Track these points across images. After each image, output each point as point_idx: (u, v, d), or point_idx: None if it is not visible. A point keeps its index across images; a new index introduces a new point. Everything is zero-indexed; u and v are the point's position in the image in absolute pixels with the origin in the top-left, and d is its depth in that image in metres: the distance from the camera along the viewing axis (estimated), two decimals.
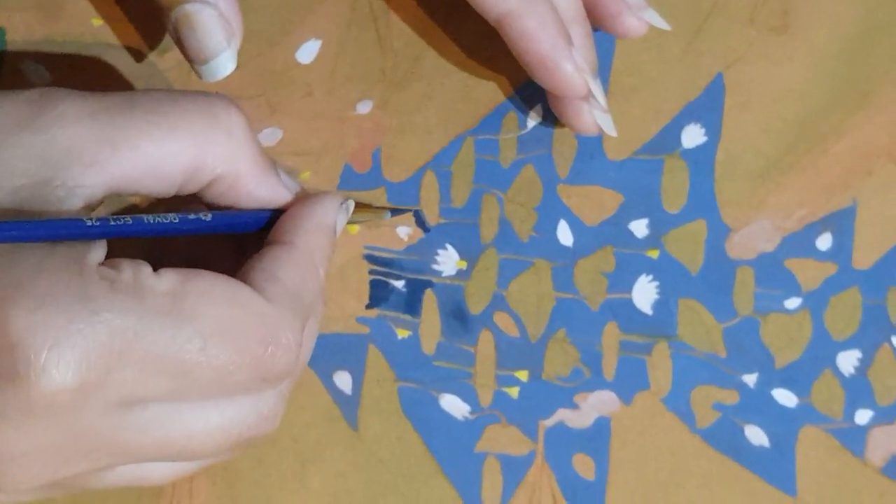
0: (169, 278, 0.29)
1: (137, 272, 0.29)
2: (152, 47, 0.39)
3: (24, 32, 0.38)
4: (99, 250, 0.30)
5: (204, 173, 0.32)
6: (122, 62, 0.38)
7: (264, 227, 0.34)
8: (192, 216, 0.32)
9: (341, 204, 0.35)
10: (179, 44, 0.35)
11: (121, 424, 0.29)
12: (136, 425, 0.29)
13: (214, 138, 0.32)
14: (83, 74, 0.38)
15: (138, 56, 0.38)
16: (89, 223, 0.29)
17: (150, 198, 0.36)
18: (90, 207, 0.31)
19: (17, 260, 0.28)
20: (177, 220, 0.31)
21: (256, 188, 0.33)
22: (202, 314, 0.29)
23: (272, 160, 0.34)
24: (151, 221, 0.31)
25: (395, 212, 0.38)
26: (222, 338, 0.29)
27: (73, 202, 0.30)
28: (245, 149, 0.33)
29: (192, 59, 0.35)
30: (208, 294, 0.29)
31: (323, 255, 0.33)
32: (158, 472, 0.32)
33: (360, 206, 0.36)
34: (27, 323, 0.27)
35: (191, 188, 0.33)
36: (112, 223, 0.30)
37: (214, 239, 0.34)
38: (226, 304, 0.30)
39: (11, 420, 0.27)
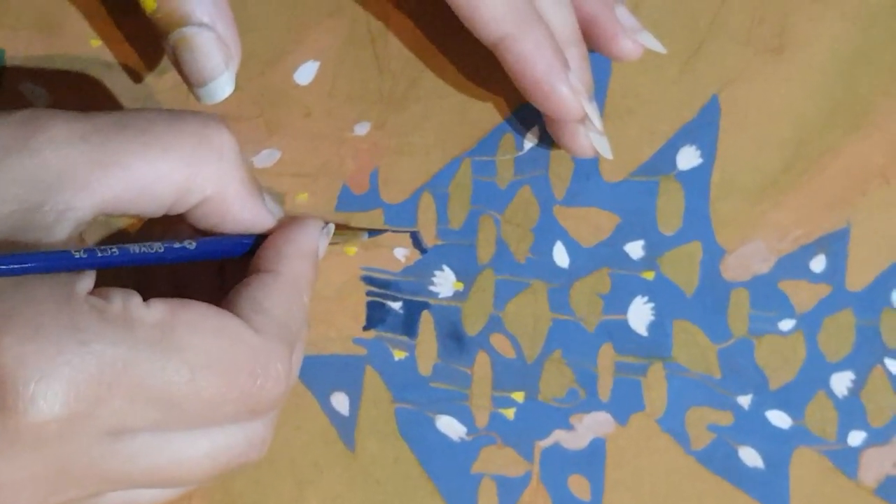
0: (158, 309, 0.30)
1: (127, 302, 0.29)
2: (151, 68, 0.39)
3: (24, 52, 0.38)
4: (87, 280, 0.30)
5: (193, 194, 0.32)
6: (121, 83, 0.39)
7: (248, 253, 0.34)
8: (177, 245, 0.32)
9: (322, 228, 0.35)
10: (178, 66, 0.35)
11: (109, 454, 0.29)
12: (125, 454, 0.30)
13: (206, 159, 0.32)
14: (81, 95, 0.38)
15: (137, 77, 0.39)
16: (77, 255, 0.29)
17: (137, 218, 0.37)
18: (79, 230, 0.31)
19: (5, 290, 0.28)
20: (162, 250, 0.32)
21: (241, 211, 0.33)
22: (191, 346, 0.29)
23: (258, 185, 0.34)
24: (137, 252, 0.31)
25: (373, 232, 0.38)
26: (211, 370, 0.29)
27: (64, 227, 0.30)
28: (234, 171, 0.33)
29: (191, 82, 0.35)
30: (197, 325, 0.30)
31: (306, 281, 0.34)
32: (147, 497, 0.32)
33: (338, 227, 0.37)
34: (16, 354, 0.27)
35: (180, 208, 0.33)
36: (99, 254, 0.30)
37: (198, 265, 0.34)
38: (214, 335, 0.30)
39: (0, 450, 0.28)
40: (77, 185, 0.30)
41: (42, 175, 0.30)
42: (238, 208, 0.33)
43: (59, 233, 0.30)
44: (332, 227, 0.36)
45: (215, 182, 0.32)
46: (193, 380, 0.29)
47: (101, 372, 0.28)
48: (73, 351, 0.28)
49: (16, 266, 0.28)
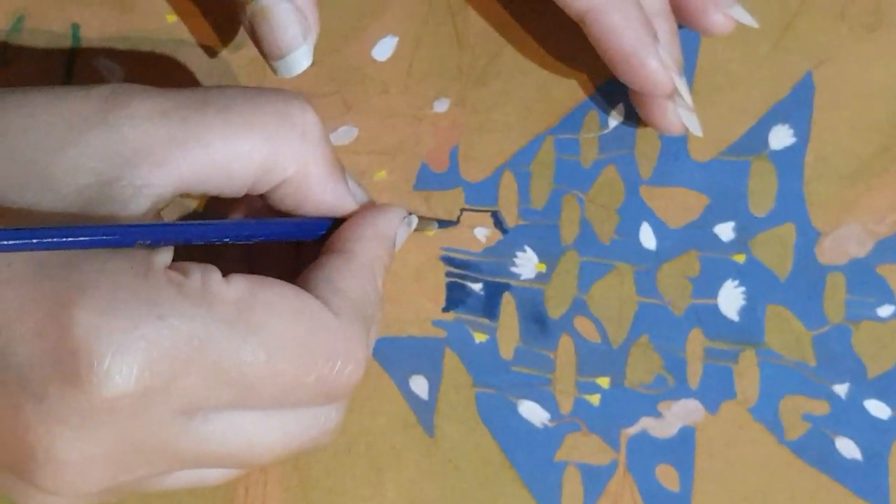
0: (238, 286, 0.29)
1: (206, 278, 0.29)
2: (226, 44, 0.39)
3: (98, 28, 0.38)
4: (165, 254, 0.29)
5: (274, 174, 0.32)
6: (196, 59, 0.39)
7: (324, 235, 0.33)
8: (253, 222, 0.32)
9: (404, 218, 0.34)
10: (254, 38, 0.35)
11: (181, 432, 0.29)
12: (197, 434, 0.29)
13: (288, 139, 0.32)
14: (156, 71, 0.38)
15: (212, 52, 0.38)
16: (153, 228, 0.29)
17: (218, 197, 0.36)
18: (158, 207, 0.30)
19: (81, 261, 0.28)
20: (239, 227, 0.31)
21: (323, 193, 0.33)
22: (269, 327, 0.29)
23: (342, 166, 0.33)
24: (214, 227, 0.31)
25: (443, 223, 0.37)
26: (288, 353, 0.29)
27: (140, 202, 0.30)
28: (317, 151, 0.32)
29: (268, 55, 0.35)
30: (276, 306, 0.29)
31: (381, 265, 0.33)
32: (215, 475, 0.32)
33: (420, 218, 0.36)
34: (91, 327, 0.27)
35: (260, 189, 0.32)
36: (175, 229, 0.30)
37: (272, 245, 0.34)
38: (293, 317, 0.29)
39: (73, 425, 0.28)
40: (155, 160, 0.30)
41: (120, 150, 0.30)
42: (320, 190, 0.33)
43: (136, 208, 0.30)
44: (414, 218, 0.35)
45: (297, 162, 0.32)
46: (270, 362, 0.29)
47: (177, 348, 0.28)
48: (150, 325, 0.27)
49: (90, 238, 0.28)
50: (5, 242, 0.27)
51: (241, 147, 0.31)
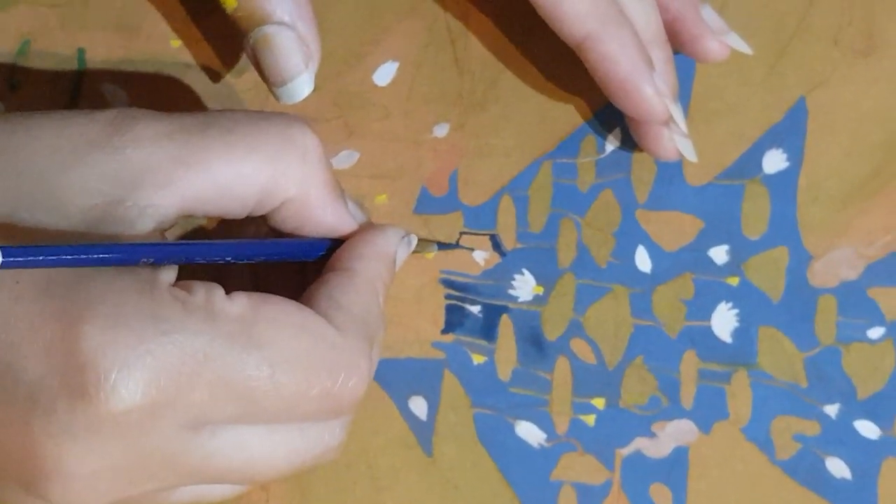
0: (241, 302, 0.30)
1: (210, 294, 0.30)
2: (229, 68, 0.40)
3: (104, 53, 0.39)
4: (170, 272, 0.31)
5: (276, 196, 0.33)
6: (200, 83, 0.40)
7: (326, 255, 0.34)
8: (255, 242, 0.33)
9: (403, 237, 0.35)
10: (257, 65, 0.36)
11: (188, 447, 0.30)
12: (203, 449, 0.30)
13: (289, 160, 0.33)
14: (160, 95, 0.39)
15: (216, 77, 0.39)
16: (158, 248, 0.30)
17: (220, 218, 0.37)
18: (162, 228, 0.32)
19: (88, 279, 0.29)
20: (240, 247, 0.32)
21: (323, 214, 0.34)
22: (272, 341, 0.30)
23: (341, 188, 0.34)
24: (216, 247, 0.32)
25: (443, 245, 0.38)
26: (291, 367, 0.30)
27: (145, 223, 0.31)
28: (318, 173, 0.33)
29: (270, 82, 0.36)
30: (279, 321, 0.30)
31: (382, 283, 0.34)
32: (219, 491, 0.33)
33: (420, 239, 0.37)
34: (98, 342, 0.28)
35: (262, 210, 0.33)
36: (180, 248, 0.31)
37: (277, 264, 0.35)
38: (296, 332, 0.30)
39: (80, 439, 0.29)
40: (159, 182, 0.31)
41: (125, 171, 0.31)
42: (320, 211, 0.34)
43: (141, 228, 0.31)
44: (413, 238, 0.36)
45: (298, 183, 0.33)
46: (273, 376, 0.30)
47: (183, 363, 0.29)
48: (155, 340, 0.29)
49: (97, 255, 0.29)
50: (14, 259, 0.28)
51: (244, 169, 0.32)
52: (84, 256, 0.29)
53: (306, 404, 0.31)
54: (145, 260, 0.30)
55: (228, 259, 0.33)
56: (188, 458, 0.30)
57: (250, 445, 0.31)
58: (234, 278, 0.36)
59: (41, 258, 0.28)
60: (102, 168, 0.31)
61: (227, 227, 0.38)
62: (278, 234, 0.35)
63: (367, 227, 0.35)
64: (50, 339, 0.28)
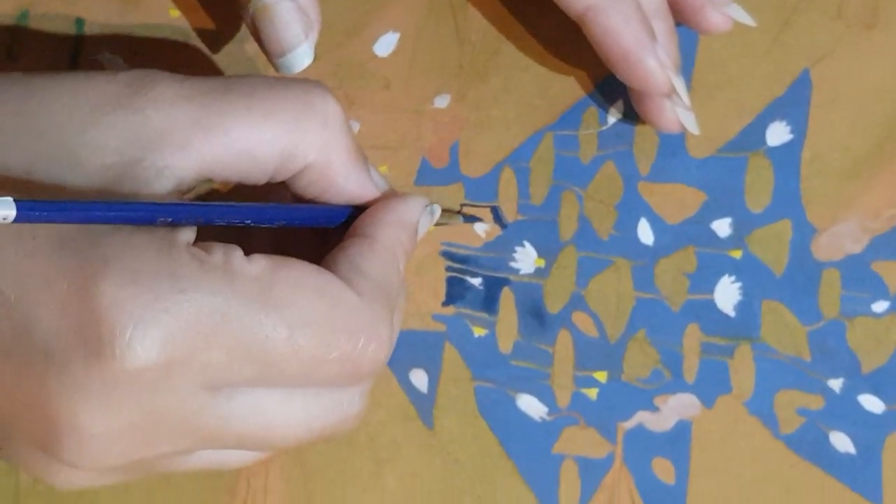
0: (260, 264, 0.30)
1: (228, 255, 0.30)
2: (229, 38, 0.39)
3: (102, 22, 0.39)
4: (188, 232, 0.31)
5: (296, 161, 0.33)
6: (199, 53, 0.40)
7: (347, 222, 0.34)
8: (274, 206, 0.33)
9: (426, 206, 0.35)
10: (256, 36, 0.36)
11: (204, 409, 0.30)
12: (220, 412, 0.30)
13: (309, 126, 0.33)
14: (159, 64, 0.39)
15: (215, 47, 0.39)
16: (176, 207, 0.30)
17: (241, 184, 0.37)
18: (180, 191, 0.31)
19: (105, 236, 0.29)
20: (260, 210, 0.32)
21: (345, 181, 0.34)
22: (290, 303, 0.30)
23: (364, 155, 0.34)
24: (234, 209, 0.32)
25: (468, 217, 0.38)
26: (310, 329, 0.30)
27: (163, 183, 0.31)
28: (339, 139, 0.33)
29: (270, 52, 0.36)
30: (297, 283, 0.30)
31: (403, 250, 0.34)
32: (235, 458, 0.33)
33: (444, 210, 0.37)
34: (114, 299, 0.28)
35: (282, 176, 0.33)
36: (197, 209, 0.30)
37: (298, 230, 0.35)
38: (315, 294, 0.30)
39: (95, 396, 0.28)
40: (177, 143, 0.31)
41: (143, 132, 0.31)
42: (342, 178, 0.34)
43: (159, 189, 0.31)
44: (437, 208, 0.36)
45: (319, 149, 0.33)
46: (292, 338, 0.30)
47: (199, 321, 0.29)
48: (172, 298, 0.28)
49: (116, 213, 0.29)
50: (30, 213, 0.27)
51: (263, 133, 0.32)
52: (101, 213, 0.29)
53: (325, 368, 0.30)
54: (163, 219, 0.30)
55: (248, 222, 0.32)
56: (204, 421, 0.30)
57: (267, 410, 0.31)
58: (253, 245, 0.36)
59: (58, 213, 0.28)
60: (121, 128, 0.31)
61: (247, 195, 0.37)
62: (300, 201, 0.35)
63: (389, 195, 0.35)
64: (66, 295, 0.28)
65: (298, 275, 0.30)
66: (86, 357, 0.28)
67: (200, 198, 0.37)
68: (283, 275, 0.30)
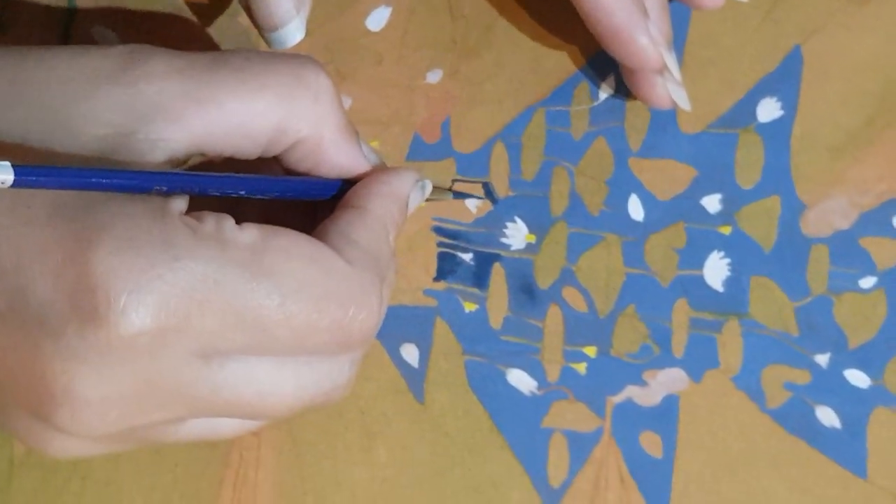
0: (251, 232, 0.31)
1: (220, 223, 0.30)
2: (221, 11, 0.39)
3: None
4: (181, 201, 0.31)
5: (288, 135, 0.33)
6: (191, 27, 0.40)
7: (337, 196, 0.34)
8: (266, 177, 0.33)
9: (417, 181, 0.35)
10: (248, 11, 0.36)
11: (198, 376, 0.30)
12: (213, 379, 0.31)
13: (301, 100, 0.33)
14: (151, 38, 0.39)
15: (207, 20, 0.39)
16: (169, 176, 0.30)
17: (232, 158, 0.37)
18: (173, 163, 0.32)
19: (100, 203, 0.29)
20: (251, 181, 0.32)
21: (337, 155, 0.34)
22: (282, 271, 0.30)
23: (356, 130, 0.34)
24: (226, 179, 0.32)
25: (459, 194, 0.38)
26: (301, 297, 0.30)
27: (156, 155, 0.31)
28: (331, 114, 0.34)
29: (261, 27, 0.36)
30: (289, 251, 0.31)
31: (393, 221, 0.34)
32: (228, 427, 0.34)
33: (435, 187, 0.37)
34: (108, 266, 0.28)
35: (274, 150, 0.34)
36: (191, 178, 0.31)
37: (289, 204, 0.35)
38: (306, 262, 0.31)
39: (89, 363, 0.29)
40: (170, 116, 0.31)
41: (136, 104, 0.31)
42: (334, 152, 0.34)
43: (152, 161, 0.31)
44: (428, 183, 0.36)
45: (311, 123, 0.33)
46: (283, 305, 0.30)
47: (193, 288, 0.29)
48: (166, 265, 0.29)
49: (110, 180, 0.29)
50: (27, 178, 0.28)
51: (256, 107, 0.32)
52: (98, 179, 0.29)
53: (316, 336, 0.31)
54: (158, 188, 0.30)
55: (241, 193, 0.33)
56: (197, 388, 0.30)
57: (259, 378, 0.31)
58: (244, 217, 0.36)
59: (55, 178, 0.28)
60: (115, 100, 0.31)
61: (239, 169, 0.38)
62: (292, 175, 0.35)
63: (380, 168, 0.35)
64: (60, 262, 0.28)
65: (290, 243, 0.31)
66: (80, 324, 0.28)
67: (193, 170, 0.37)
68: (275, 243, 0.31)
